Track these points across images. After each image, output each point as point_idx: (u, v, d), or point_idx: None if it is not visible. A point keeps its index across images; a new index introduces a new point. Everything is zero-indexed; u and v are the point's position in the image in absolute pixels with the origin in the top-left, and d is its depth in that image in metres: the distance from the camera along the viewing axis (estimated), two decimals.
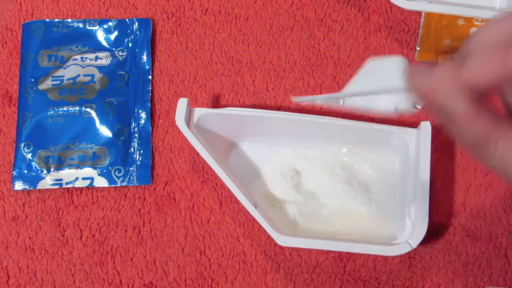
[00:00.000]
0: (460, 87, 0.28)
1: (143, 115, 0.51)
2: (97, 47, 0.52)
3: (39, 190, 0.50)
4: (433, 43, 0.51)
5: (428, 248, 0.48)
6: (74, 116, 0.50)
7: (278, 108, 0.51)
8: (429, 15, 0.52)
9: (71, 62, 0.51)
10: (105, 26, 0.52)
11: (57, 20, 0.53)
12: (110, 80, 0.51)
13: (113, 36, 0.52)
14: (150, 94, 0.51)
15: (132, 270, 0.48)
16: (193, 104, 0.51)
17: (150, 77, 0.52)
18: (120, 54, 0.52)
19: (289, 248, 0.48)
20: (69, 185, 0.49)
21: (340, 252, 0.48)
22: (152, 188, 0.50)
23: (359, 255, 0.48)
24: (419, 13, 0.52)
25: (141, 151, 0.50)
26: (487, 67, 0.27)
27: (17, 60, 0.52)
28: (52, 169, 0.49)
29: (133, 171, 0.50)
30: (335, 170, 0.49)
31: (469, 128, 0.28)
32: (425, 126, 0.46)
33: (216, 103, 0.51)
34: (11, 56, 0.53)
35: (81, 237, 0.49)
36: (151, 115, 0.51)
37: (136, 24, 0.53)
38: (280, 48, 0.52)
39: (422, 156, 0.45)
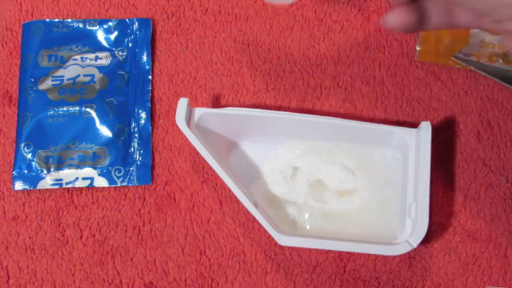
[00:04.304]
0: None
1: (143, 115, 0.51)
2: (97, 47, 0.52)
3: (39, 190, 0.50)
4: (433, 43, 0.51)
5: (428, 248, 0.48)
6: (74, 116, 0.50)
7: (278, 108, 0.51)
8: None
9: (71, 62, 0.51)
10: (105, 26, 0.52)
11: (57, 20, 0.53)
12: (110, 80, 0.51)
13: (113, 36, 0.52)
14: (150, 94, 0.51)
15: (132, 270, 0.48)
16: (193, 104, 0.51)
17: (150, 77, 0.52)
18: (120, 54, 0.52)
19: (289, 248, 0.48)
20: (69, 185, 0.49)
21: (340, 252, 0.48)
22: (152, 188, 0.50)
23: (359, 255, 0.48)
24: None
25: (141, 151, 0.50)
26: None
27: (17, 60, 0.52)
28: (52, 169, 0.49)
29: (133, 171, 0.50)
30: (335, 170, 0.49)
31: None
32: (425, 126, 0.46)
33: (216, 103, 0.51)
34: (11, 56, 0.53)
35: (81, 237, 0.49)
36: (151, 115, 0.51)
37: (137, 24, 0.53)
38: (280, 48, 0.52)
39: (422, 156, 0.45)
